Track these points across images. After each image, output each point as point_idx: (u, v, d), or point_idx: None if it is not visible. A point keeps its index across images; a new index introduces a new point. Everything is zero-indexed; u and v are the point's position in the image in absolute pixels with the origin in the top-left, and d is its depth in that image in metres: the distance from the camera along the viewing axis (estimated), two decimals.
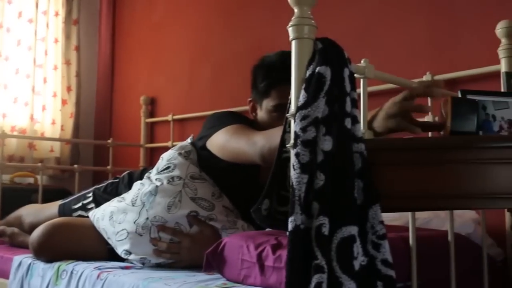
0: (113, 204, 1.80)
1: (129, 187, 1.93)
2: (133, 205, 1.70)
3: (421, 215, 1.74)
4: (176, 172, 1.74)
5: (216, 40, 2.91)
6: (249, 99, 1.89)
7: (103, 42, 3.62)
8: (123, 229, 1.68)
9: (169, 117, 3.06)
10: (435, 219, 1.71)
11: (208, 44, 2.96)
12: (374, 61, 2.09)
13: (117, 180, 2.17)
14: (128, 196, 1.78)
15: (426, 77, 1.89)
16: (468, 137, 1.05)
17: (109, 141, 3.26)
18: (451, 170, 0.99)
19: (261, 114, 1.81)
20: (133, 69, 3.50)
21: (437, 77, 1.88)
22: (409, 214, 1.33)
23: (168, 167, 1.77)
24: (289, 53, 1.75)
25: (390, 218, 1.77)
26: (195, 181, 1.72)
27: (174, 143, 2.88)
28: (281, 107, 1.70)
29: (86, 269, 1.63)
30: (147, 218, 1.64)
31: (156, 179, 1.74)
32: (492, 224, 1.70)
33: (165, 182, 1.71)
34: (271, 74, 1.74)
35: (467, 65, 1.85)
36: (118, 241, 1.69)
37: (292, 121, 1.02)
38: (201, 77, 2.97)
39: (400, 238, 1.36)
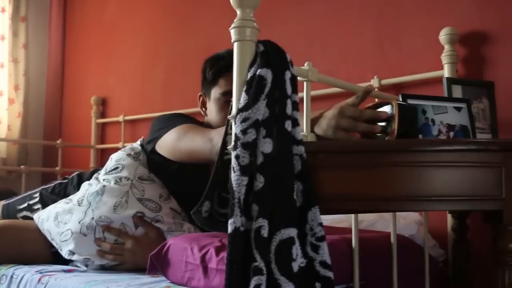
0: (59, 205, 1.76)
1: (78, 188, 1.89)
2: (79, 205, 1.68)
3: (367, 217, 1.77)
4: (124, 173, 1.72)
5: (169, 40, 2.88)
6: (199, 94, 1.92)
7: (53, 40, 3.54)
8: (68, 229, 1.65)
9: (120, 118, 3.01)
10: (380, 221, 1.74)
11: (160, 44, 2.93)
12: (322, 64, 2.13)
13: (66, 180, 2.12)
14: (75, 197, 1.75)
15: (374, 81, 1.92)
16: (405, 140, 1.07)
17: (58, 141, 3.19)
18: (389, 172, 1.01)
19: (210, 105, 1.83)
20: (84, 69, 3.43)
21: (383, 82, 1.92)
22: (348, 216, 1.35)
23: (117, 168, 1.75)
24: None
25: (336, 220, 1.79)
26: (143, 182, 1.71)
27: (125, 144, 2.84)
28: (229, 94, 1.73)
29: (26, 273, 1.59)
30: (93, 218, 1.62)
31: (104, 179, 1.72)
32: (435, 226, 1.74)
33: (112, 182, 1.69)
34: (218, 62, 1.80)
35: (413, 70, 1.89)
36: (63, 241, 1.66)
37: (233, 123, 1.02)
38: (153, 78, 2.94)
39: (343, 240, 1.38)
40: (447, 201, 1.03)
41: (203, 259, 1.31)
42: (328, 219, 1.82)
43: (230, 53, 1.80)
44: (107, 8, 3.30)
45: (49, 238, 1.73)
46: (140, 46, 3.04)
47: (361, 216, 1.77)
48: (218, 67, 1.79)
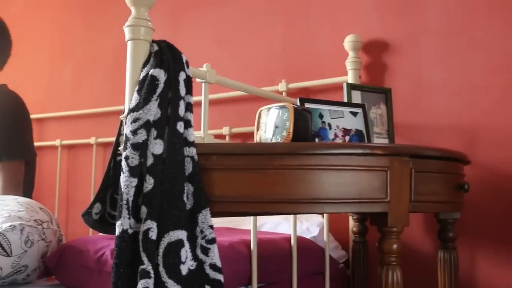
0: None
1: None
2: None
3: (271, 219, 1.78)
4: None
5: (78, 38, 2.79)
6: None
7: None
8: None
9: None
10: (284, 223, 1.76)
11: (69, 41, 2.83)
12: (231, 68, 2.14)
13: None
14: None
15: (281, 85, 1.94)
16: (294, 143, 1.08)
17: None
18: (280, 175, 1.01)
19: None
20: None
21: (291, 85, 1.95)
22: (251, 218, 1.36)
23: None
24: None
25: (238, 222, 1.80)
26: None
27: None
28: None
29: None
30: None
31: None
32: (338, 228, 1.79)
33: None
34: None
35: (320, 75, 1.93)
36: None
37: (124, 123, 1.00)
38: (62, 76, 2.84)
39: (242, 242, 1.38)
40: (336, 204, 1.04)
41: (98, 262, 1.28)
42: (234, 221, 1.83)
43: None
44: (12, 1, 3.15)
45: None
46: (48, 42, 2.92)
47: (264, 218, 1.79)
48: None
